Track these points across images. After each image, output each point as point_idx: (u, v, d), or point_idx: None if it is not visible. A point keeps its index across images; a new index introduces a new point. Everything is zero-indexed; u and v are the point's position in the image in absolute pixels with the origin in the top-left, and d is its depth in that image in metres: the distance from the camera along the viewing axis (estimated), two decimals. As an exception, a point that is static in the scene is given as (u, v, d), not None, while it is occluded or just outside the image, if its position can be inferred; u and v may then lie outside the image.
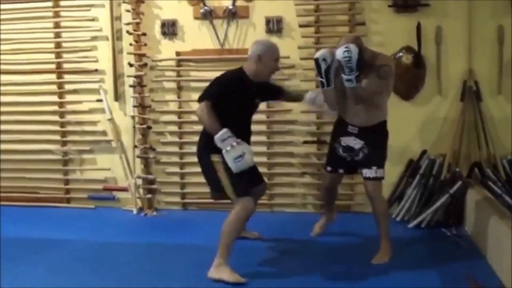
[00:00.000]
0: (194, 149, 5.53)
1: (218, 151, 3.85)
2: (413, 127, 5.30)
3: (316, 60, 4.07)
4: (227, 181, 3.92)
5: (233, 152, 3.78)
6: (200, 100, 3.98)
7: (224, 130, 3.81)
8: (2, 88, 5.94)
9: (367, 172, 4.24)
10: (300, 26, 5.39)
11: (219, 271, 3.77)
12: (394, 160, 5.25)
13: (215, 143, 3.82)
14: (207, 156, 4.01)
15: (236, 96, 4.01)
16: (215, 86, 4.04)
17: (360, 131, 4.27)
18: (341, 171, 4.48)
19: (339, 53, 3.88)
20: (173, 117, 5.73)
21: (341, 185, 4.82)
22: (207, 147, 4.00)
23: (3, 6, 5.81)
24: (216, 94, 3.95)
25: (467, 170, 4.97)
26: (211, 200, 5.37)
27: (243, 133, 4.00)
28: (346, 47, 3.86)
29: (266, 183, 4.64)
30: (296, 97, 4.58)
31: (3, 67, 5.91)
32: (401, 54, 5.23)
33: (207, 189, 5.46)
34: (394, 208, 5.18)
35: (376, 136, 4.26)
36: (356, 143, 4.28)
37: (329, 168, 4.52)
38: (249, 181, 4.05)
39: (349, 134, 4.31)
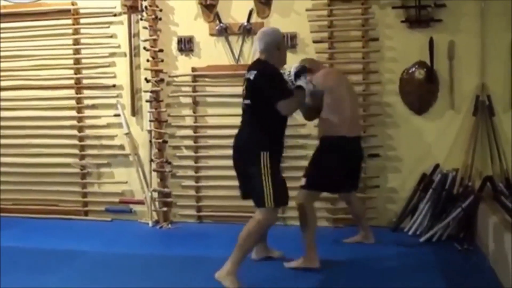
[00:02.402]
0: (210, 163, 5.75)
1: (269, 150, 3.84)
2: (426, 141, 5.32)
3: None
4: (269, 188, 3.78)
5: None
6: (276, 101, 3.82)
7: (300, 82, 3.97)
8: (23, 103, 6.08)
9: None
10: (314, 42, 5.46)
11: (226, 279, 3.79)
12: (407, 174, 5.33)
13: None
14: (254, 157, 3.83)
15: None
16: (279, 83, 3.91)
17: None
18: None
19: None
20: (189, 132, 5.80)
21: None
22: (257, 147, 3.85)
23: (25, 24, 5.97)
24: (286, 89, 3.90)
25: (480, 185, 4.96)
26: (226, 213, 5.56)
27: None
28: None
29: None
30: None
31: (24, 82, 6.05)
32: (414, 69, 5.29)
33: (222, 202, 5.64)
34: (407, 222, 5.19)
35: (316, 149, 4.61)
36: None
37: None
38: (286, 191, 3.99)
39: None
